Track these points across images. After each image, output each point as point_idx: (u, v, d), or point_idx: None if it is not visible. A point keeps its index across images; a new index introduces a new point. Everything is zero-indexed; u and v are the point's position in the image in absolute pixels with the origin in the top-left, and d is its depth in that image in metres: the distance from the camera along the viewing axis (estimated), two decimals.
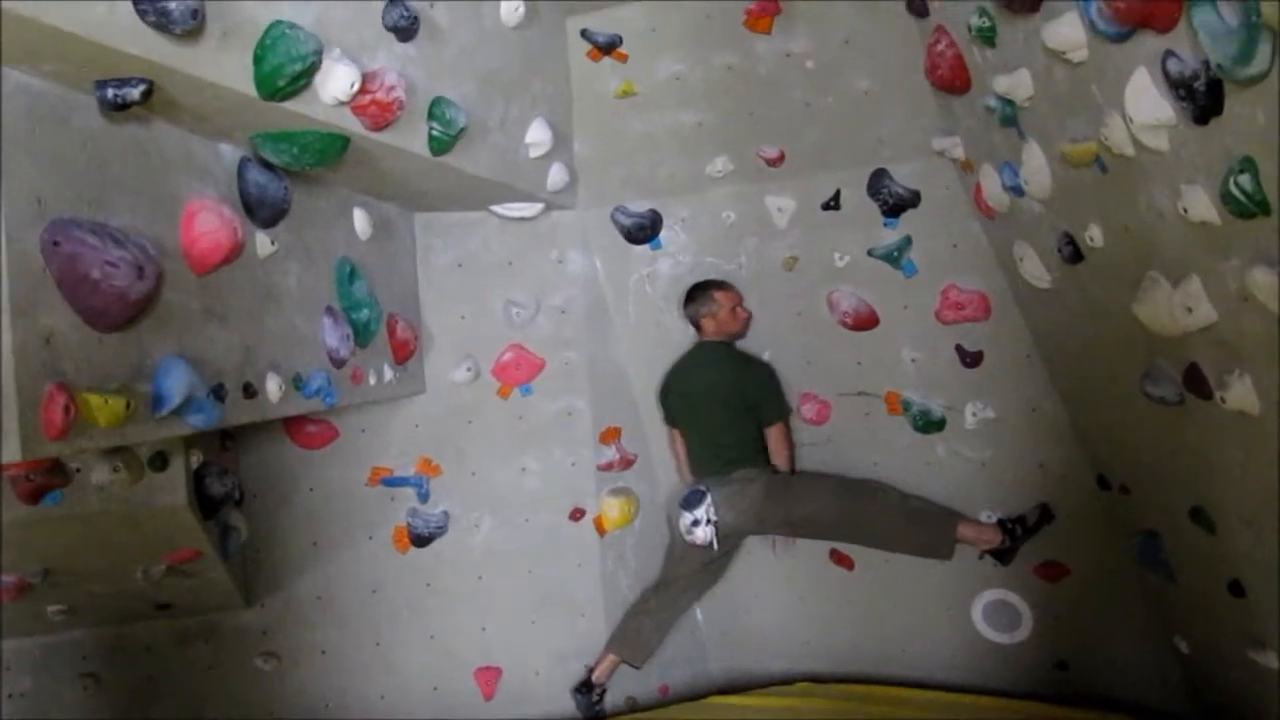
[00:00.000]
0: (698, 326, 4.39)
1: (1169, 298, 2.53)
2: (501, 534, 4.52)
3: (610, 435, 4.56)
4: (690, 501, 4.12)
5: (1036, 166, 3.06)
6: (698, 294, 4.37)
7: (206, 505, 3.56)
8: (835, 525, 4.22)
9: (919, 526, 4.11)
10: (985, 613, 4.32)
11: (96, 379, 2.18)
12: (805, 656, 4.56)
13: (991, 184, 3.60)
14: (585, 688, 4.41)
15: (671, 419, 4.50)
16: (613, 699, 4.49)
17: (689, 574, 4.40)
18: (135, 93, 2.15)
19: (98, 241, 2.16)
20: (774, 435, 4.29)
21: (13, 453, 1.96)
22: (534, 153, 3.95)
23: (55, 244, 2.04)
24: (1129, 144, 2.39)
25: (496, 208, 4.25)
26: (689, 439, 4.40)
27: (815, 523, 4.22)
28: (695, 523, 4.09)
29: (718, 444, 4.25)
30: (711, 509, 4.09)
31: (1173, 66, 2.04)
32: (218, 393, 2.67)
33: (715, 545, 4.13)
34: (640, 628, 4.42)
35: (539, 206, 4.25)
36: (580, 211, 4.49)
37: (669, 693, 4.61)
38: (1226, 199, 2.04)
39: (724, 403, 4.25)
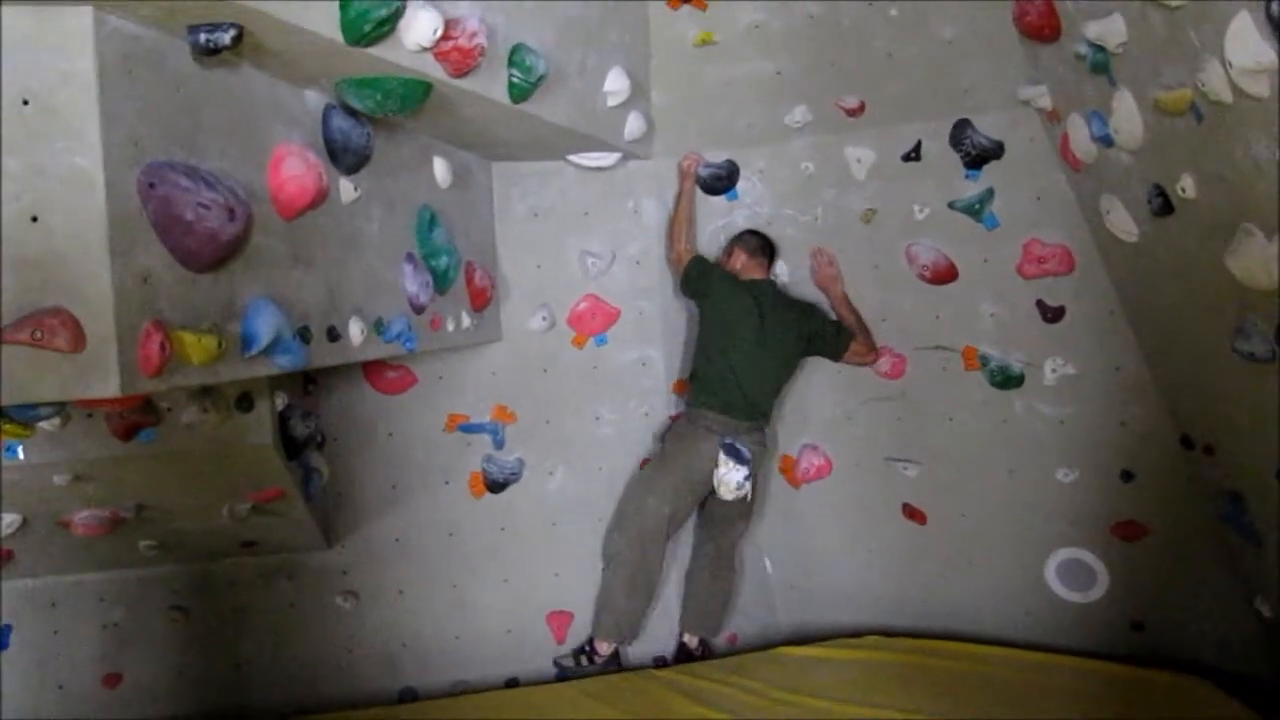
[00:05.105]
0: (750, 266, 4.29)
1: (1264, 250, 2.46)
2: (575, 481, 4.58)
3: (682, 387, 4.56)
4: (741, 454, 4.04)
5: (1127, 115, 2.99)
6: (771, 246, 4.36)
7: (290, 446, 3.66)
8: (722, 535, 4.40)
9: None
10: (1059, 571, 4.28)
11: (190, 318, 2.25)
12: (875, 610, 4.56)
13: (1079, 134, 3.52)
14: (581, 655, 4.38)
15: (695, 292, 4.27)
16: (640, 657, 4.50)
17: (679, 511, 4.22)
18: (226, 37, 2.19)
19: (191, 184, 2.21)
20: (857, 352, 4.32)
21: (112, 389, 2.02)
22: (611, 101, 3.94)
23: (151, 186, 2.10)
24: (1228, 90, 2.32)
25: (573, 157, 4.26)
26: (724, 370, 4.13)
27: (724, 522, 4.36)
28: (747, 478, 4.07)
29: (760, 390, 4.17)
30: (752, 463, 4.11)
31: (1276, 9, 1.97)
32: (303, 335, 2.74)
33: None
34: (628, 610, 4.24)
35: (616, 156, 4.25)
36: (657, 161, 4.47)
37: (738, 641, 4.65)
38: None
39: (788, 347, 4.21)
